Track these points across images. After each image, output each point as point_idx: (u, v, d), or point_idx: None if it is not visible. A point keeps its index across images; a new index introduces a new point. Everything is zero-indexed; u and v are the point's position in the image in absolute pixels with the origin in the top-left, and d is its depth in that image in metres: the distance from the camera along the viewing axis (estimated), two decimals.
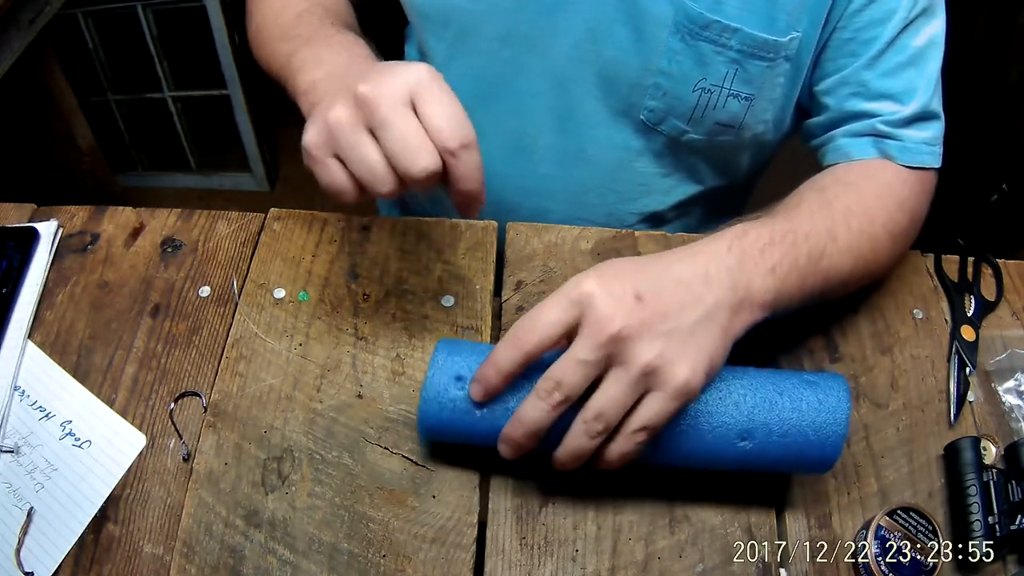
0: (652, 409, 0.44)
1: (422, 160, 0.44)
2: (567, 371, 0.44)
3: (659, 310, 0.44)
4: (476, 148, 0.46)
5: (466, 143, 0.45)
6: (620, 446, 0.45)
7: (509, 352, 0.45)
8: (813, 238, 0.52)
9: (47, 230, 0.62)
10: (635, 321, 0.43)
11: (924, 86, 0.62)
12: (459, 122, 0.45)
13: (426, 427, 0.49)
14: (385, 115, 0.45)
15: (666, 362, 0.44)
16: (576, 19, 0.63)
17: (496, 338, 0.59)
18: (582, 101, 0.68)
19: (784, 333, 0.60)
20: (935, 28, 0.62)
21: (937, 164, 0.62)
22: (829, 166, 0.64)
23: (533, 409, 0.45)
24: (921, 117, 0.62)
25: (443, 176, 0.46)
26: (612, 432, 0.45)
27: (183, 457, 0.52)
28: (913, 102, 0.61)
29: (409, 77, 0.46)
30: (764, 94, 0.64)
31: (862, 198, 0.58)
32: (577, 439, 0.45)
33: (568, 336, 0.45)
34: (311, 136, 0.47)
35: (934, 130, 0.63)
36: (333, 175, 0.47)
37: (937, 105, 0.63)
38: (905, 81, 0.61)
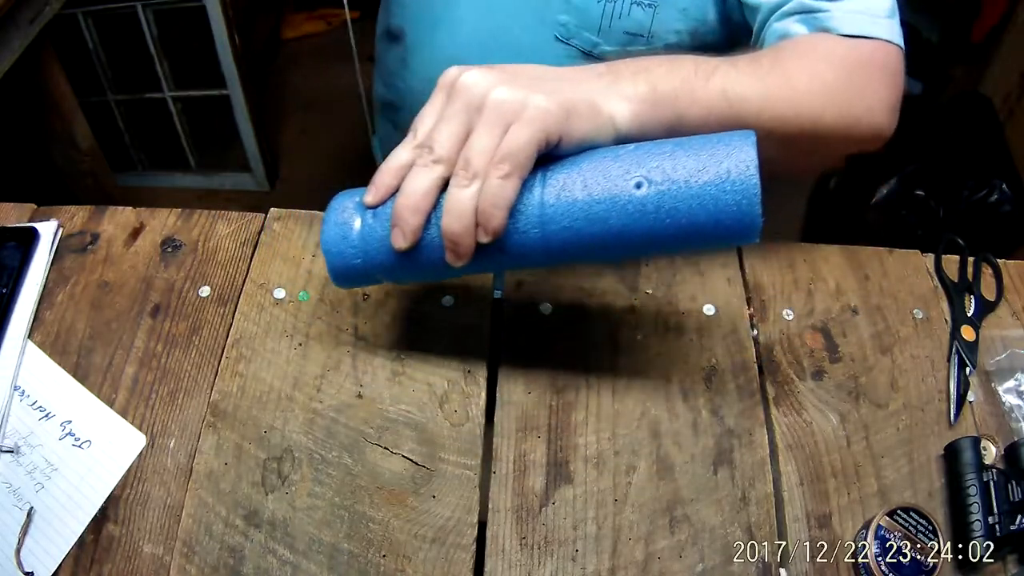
0: (510, 136, 0.43)
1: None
2: (431, 130, 0.46)
3: (511, 71, 0.46)
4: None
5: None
6: (488, 189, 0.43)
7: (401, 151, 0.47)
8: (702, 61, 0.51)
9: (47, 230, 0.62)
10: (487, 72, 0.45)
11: None
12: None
13: (333, 264, 0.48)
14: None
15: (520, 94, 0.44)
16: None
17: (497, 338, 0.59)
18: (507, 25, 0.73)
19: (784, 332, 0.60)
20: None
21: (886, 36, 0.58)
22: None
23: (413, 176, 0.45)
24: None
25: None
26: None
27: None
28: None
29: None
30: (669, 2, 0.66)
31: (778, 52, 0.57)
32: (452, 195, 0.44)
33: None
34: None
35: (875, 1, 0.59)
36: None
37: None
38: None
